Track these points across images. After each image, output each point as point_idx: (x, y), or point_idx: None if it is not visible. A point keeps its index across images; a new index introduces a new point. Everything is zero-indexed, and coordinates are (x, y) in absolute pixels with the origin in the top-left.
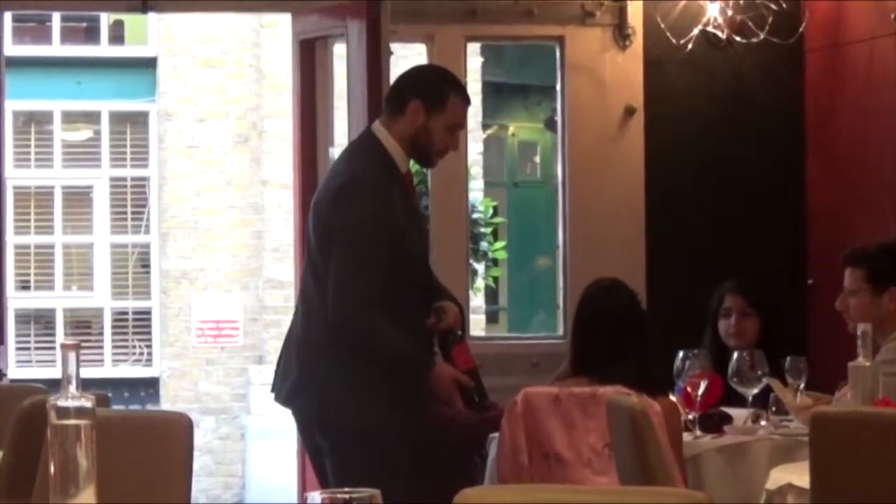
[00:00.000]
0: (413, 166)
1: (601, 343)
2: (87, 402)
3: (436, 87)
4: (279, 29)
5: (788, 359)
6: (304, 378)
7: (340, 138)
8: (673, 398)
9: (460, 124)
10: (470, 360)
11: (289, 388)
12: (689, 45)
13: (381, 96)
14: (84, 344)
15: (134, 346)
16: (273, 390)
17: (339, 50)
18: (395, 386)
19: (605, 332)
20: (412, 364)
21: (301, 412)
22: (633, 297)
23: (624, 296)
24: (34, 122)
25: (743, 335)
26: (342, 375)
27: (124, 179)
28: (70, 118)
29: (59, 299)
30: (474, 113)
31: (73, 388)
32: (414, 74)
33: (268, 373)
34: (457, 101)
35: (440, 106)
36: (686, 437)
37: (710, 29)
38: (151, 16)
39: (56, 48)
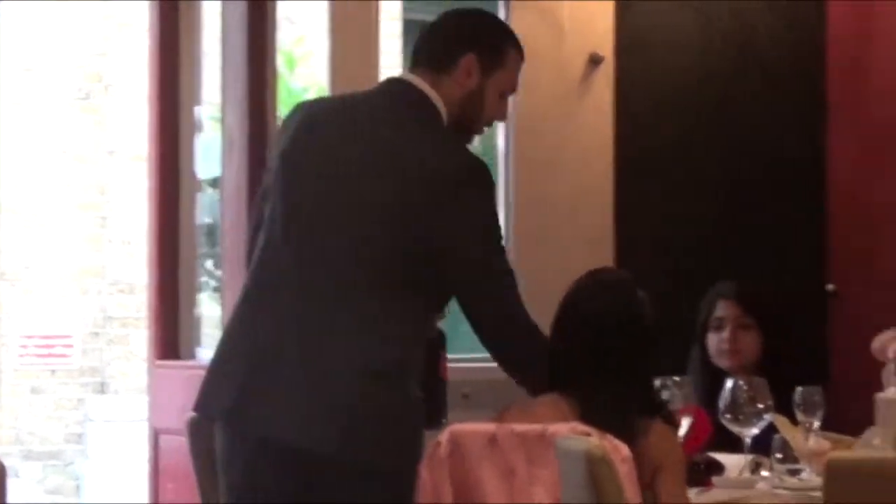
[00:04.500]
0: None
1: (581, 352)
2: None
3: (493, 38)
4: None
5: (799, 389)
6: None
7: (211, 94)
8: None
9: (515, 88)
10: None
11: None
12: None
13: (266, 39)
14: None
15: None
16: (207, 404)
17: None
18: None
19: (587, 338)
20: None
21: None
22: (637, 298)
23: (625, 296)
24: None
25: (739, 354)
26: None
27: None
28: None
29: None
30: (392, 63)
31: None
32: (466, 19)
33: (111, 404)
34: (516, 56)
35: (498, 62)
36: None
37: None
38: None
39: None
